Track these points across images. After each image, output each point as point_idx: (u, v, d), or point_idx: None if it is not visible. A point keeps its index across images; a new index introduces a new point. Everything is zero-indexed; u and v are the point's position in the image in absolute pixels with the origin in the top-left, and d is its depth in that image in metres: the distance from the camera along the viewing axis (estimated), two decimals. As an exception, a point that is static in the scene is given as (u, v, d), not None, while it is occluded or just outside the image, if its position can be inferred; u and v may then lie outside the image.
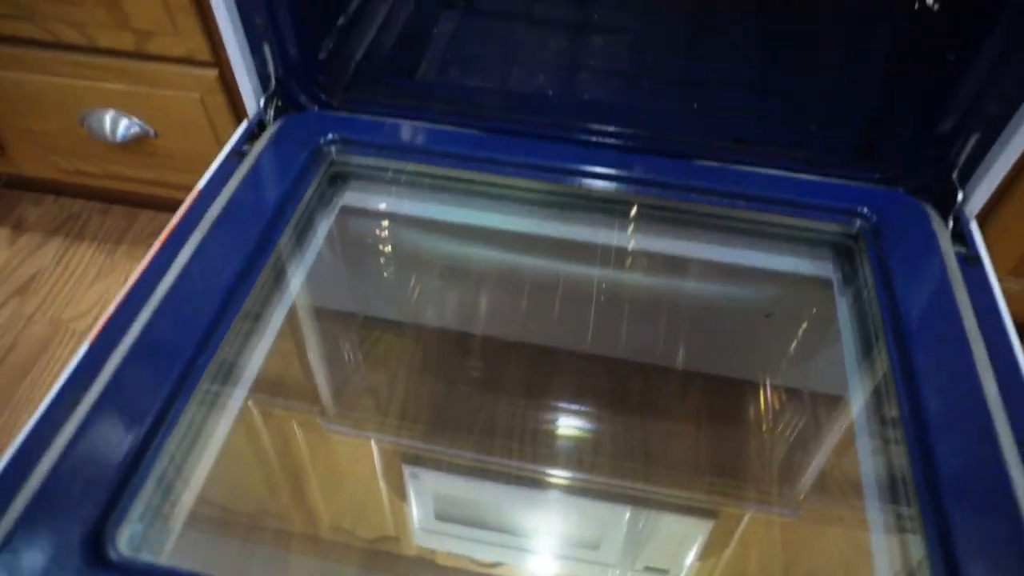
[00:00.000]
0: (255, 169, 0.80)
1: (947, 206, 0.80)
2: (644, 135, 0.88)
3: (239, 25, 0.85)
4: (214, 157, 1.07)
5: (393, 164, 0.86)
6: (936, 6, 0.82)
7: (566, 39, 1.10)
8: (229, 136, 1.03)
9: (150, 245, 1.35)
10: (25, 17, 0.94)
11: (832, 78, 1.01)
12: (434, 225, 0.88)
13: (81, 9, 0.91)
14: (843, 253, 0.81)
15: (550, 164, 0.83)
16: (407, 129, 0.87)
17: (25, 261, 1.31)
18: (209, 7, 0.83)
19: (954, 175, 0.80)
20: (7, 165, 1.22)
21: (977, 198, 0.80)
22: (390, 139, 0.86)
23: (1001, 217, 0.89)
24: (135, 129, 1.05)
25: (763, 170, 0.82)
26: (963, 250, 0.76)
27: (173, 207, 1.32)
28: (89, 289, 1.26)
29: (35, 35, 0.96)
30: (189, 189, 1.21)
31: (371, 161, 0.86)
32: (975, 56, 0.73)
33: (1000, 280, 0.95)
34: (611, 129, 0.88)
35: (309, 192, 0.82)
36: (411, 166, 0.85)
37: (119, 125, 1.05)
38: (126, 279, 1.28)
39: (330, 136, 0.85)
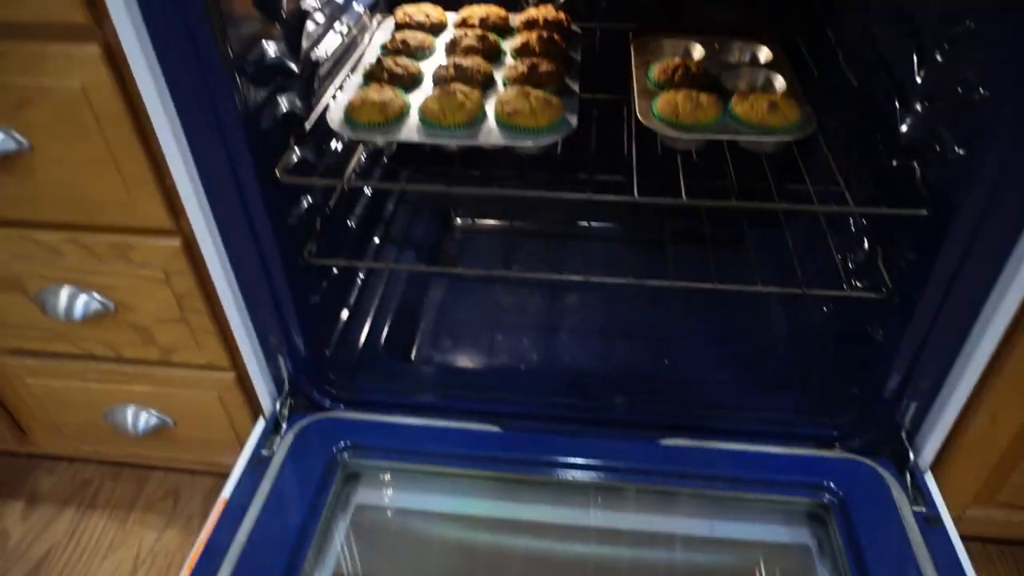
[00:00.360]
0: (277, 489, 0.88)
1: (902, 461, 0.89)
2: (622, 406, 0.98)
3: (256, 343, 0.96)
4: (230, 442, 1.16)
5: (397, 465, 0.96)
6: (856, 283, 0.95)
7: (542, 299, 1.23)
8: (245, 425, 1.12)
9: (161, 510, 1.40)
10: (62, 339, 1.04)
11: (787, 346, 1.13)
12: (435, 514, 0.97)
13: (114, 334, 1.02)
14: (817, 520, 0.89)
15: (537, 458, 0.93)
16: (407, 431, 0.96)
17: (39, 537, 1.34)
18: (230, 328, 0.95)
19: (903, 434, 0.90)
20: (28, 446, 1.29)
21: (928, 452, 0.90)
22: (393, 442, 0.95)
23: (957, 454, 0.97)
24: (155, 421, 1.14)
25: (732, 445, 0.92)
26: (923, 509, 0.85)
27: (184, 470, 1.39)
28: (102, 564, 1.29)
29: (68, 351, 1.06)
30: (202, 464, 1.28)
31: (379, 463, 0.96)
32: (900, 338, 0.84)
33: (965, 509, 1.03)
34: (591, 403, 0.98)
35: (328, 502, 0.89)
36: (413, 466, 0.95)
37: (140, 419, 1.13)
38: (138, 551, 1.32)
39: (341, 444, 0.94)
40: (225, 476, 1.36)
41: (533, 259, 1.27)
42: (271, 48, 0.78)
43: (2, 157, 0.79)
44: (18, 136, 0.77)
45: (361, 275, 1.17)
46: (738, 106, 0.84)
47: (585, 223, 1.29)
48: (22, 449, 1.30)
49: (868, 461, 0.91)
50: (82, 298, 0.96)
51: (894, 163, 0.86)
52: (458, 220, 1.30)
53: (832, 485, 0.87)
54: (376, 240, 1.22)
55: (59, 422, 1.19)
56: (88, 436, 1.21)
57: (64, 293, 0.96)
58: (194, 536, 1.30)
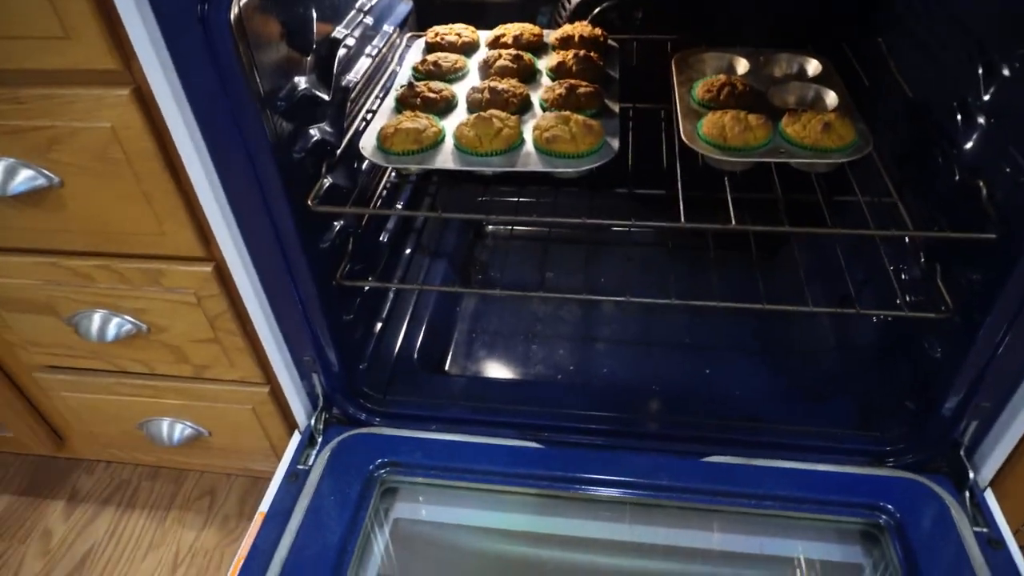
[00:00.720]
0: (315, 505, 0.88)
1: (961, 479, 0.86)
2: (663, 420, 0.96)
3: (290, 362, 0.96)
4: (264, 450, 1.16)
5: (435, 481, 0.95)
6: (910, 298, 0.91)
7: (578, 307, 1.20)
8: (280, 435, 1.12)
9: (198, 510, 1.42)
10: (96, 357, 1.04)
11: (835, 357, 1.09)
12: (475, 528, 0.96)
13: (147, 352, 1.01)
14: (870, 538, 0.86)
15: (576, 475, 0.91)
16: (444, 446, 0.95)
17: (80, 536, 1.36)
18: (262, 346, 0.94)
19: (961, 452, 0.87)
20: (66, 451, 1.31)
21: (987, 470, 0.87)
22: (431, 458, 0.94)
23: (1018, 470, 0.91)
24: (190, 431, 1.14)
25: (781, 463, 0.89)
26: (984, 530, 0.82)
27: (219, 470, 1.41)
28: (143, 562, 1.31)
29: (102, 367, 1.06)
30: (237, 470, 1.29)
31: (417, 479, 0.95)
32: (962, 358, 0.80)
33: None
34: (630, 416, 0.96)
35: (367, 517, 0.89)
36: (451, 482, 0.95)
37: (175, 430, 1.14)
38: (177, 550, 1.34)
39: (379, 461, 0.94)
40: (259, 479, 1.38)
41: (569, 265, 1.24)
42: (302, 81, 0.75)
43: (32, 192, 0.77)
44: (48, 173, 0.76)
45: (393, 288, 1.15)
46: (789, 127, 0.79)
47: (623, 229, 1.25)
48: (61, 454, 1.32)
49: (923, 479, 0.88)
50: (115, 321, 0.96)
51: (956, 179, 0.82)
52: (490, 227, 1.27)
53: (888, 505, 0.85)
54: (408, 251, 1.20)
55: (95, 432, 1.20)
56: (124, 445, 1.22)
57: (97, 316, 0.95)
58: (231, 536, 1.32)
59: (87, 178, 0.76)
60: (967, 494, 0.85)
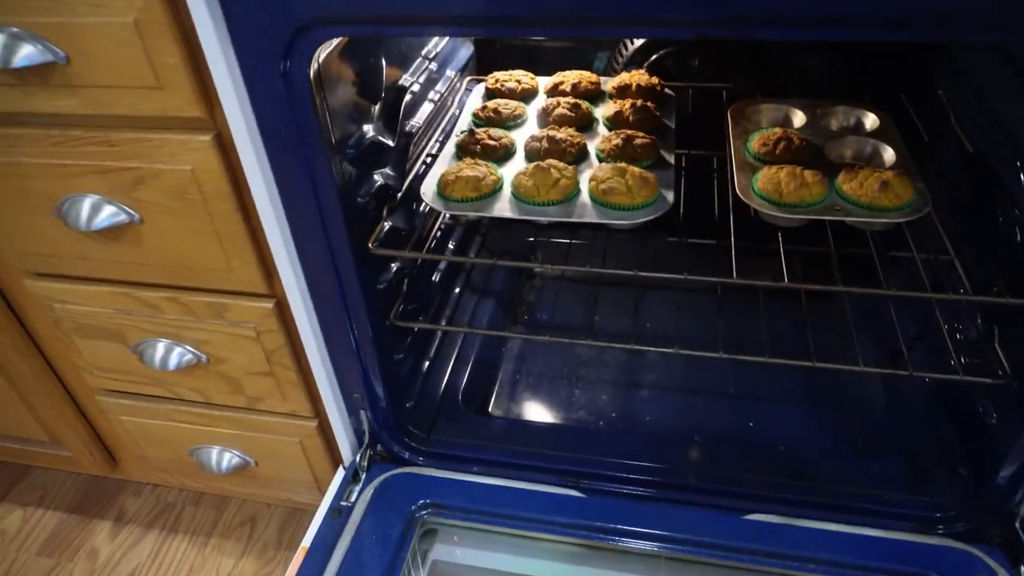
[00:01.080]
0: (357, 544, 0.89)
1: (1016, 553, 0.83)
2: (705, 473, 0.95)
3: (340, 398, 0.97)
4: (308, 483, 1.18)
5: (476, 525, 0.95)
6: (964, 359, 0.90)
7: (623, 352, 1.20)
8: (324, 469, 1.14)
9: (238, 537, 1.43)
10: (156, 384, 1.08)
11: (885, 413, 1.07)
12: (507, 574, 0.96)
13: (205, 382, 1.05)
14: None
15: (616, 527, 0.90)
16: (486, 491, 0.96)
17: (124, 556, 1.39)
18: (315, 382, 0.96)
19: (1016, 523, 0.84)
20: (118, 473, 1.35)
21: (1044, 543, 0.84)
22: (473, 503, 0.95)
23: None
24: (237, 461, 1.17)
25: (826, 525, 0.88)
26: None
27: (261, 499, 1.43)
28: (183, 589, 1.33)
29: (161, 394, 1.10)
30: (279, 500, 1.31)
31: (455, 521, 0.96)
32: (1020, 425, 0.78)
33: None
34: (671, 467, 0.96)
35: (406, 559, 0.90)
36: (491, 527, 0.95)
37: (224, 459, 1.16)
38: (217, 577, 1.35)
39: (421, 502, 0.94)
40: (299, 510, 1.40)
41: (617, 308, 1.24)
42: (369, 128, 0.79)
43: (113, 227, 0.81)
44: (130, 210, 0.80)
45: (442, 329, 1.17)
46: (845, 184, 0.80)
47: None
48: (112, 475, 1.36)
49: (975, 550, 0.85)
50: (177, 351, 0.99)
51: (1017, 240, 0.81)
52: (538, 267, 1.29)
53: None
54: (457, 289, 1.22)
55: (148, 456, 1.23)
56: (174, 469, 1.25)
57: (161, 346, 0.99)
58: (269, 566, 1.34)
59: (165, 216, 0.80)
60: (1022, 568, 0.82)
